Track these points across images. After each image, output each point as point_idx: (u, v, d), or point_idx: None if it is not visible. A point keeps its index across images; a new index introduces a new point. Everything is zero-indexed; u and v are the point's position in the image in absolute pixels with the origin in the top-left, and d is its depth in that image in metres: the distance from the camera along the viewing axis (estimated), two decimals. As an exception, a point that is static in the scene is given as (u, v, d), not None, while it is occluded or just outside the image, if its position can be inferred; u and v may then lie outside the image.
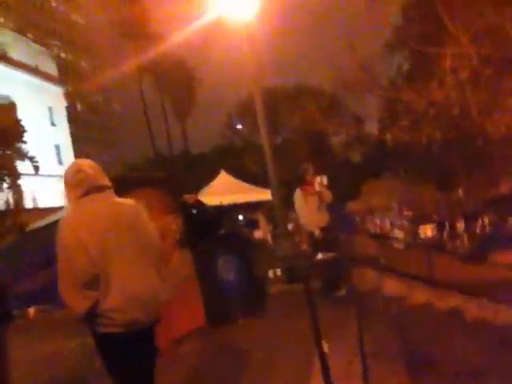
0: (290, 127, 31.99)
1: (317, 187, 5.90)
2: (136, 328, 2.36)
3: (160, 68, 35.16)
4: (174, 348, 4.57)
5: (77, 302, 2.32)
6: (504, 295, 6.29)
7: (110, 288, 2.33)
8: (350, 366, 3.42)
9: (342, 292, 5.63)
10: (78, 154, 36.09)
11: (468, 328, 5.43)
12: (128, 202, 2.62)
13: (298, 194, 6.09)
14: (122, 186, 4.78)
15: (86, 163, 2.61)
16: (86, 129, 54.12)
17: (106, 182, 2.58)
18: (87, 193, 2.47)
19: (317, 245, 5.67)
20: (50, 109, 33.98)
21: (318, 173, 6.16)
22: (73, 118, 41.61)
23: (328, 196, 6.02)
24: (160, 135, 37.01)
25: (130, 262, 2.41)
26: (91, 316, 2.34)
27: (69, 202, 2.58)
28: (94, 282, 2.32)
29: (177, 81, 36.80)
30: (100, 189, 2.51)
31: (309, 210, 5.95)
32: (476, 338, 5.12)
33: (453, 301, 6.12)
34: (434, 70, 13.19)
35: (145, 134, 36.41)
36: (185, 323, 4.86)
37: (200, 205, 5.91)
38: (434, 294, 6.32)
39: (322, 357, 2.79)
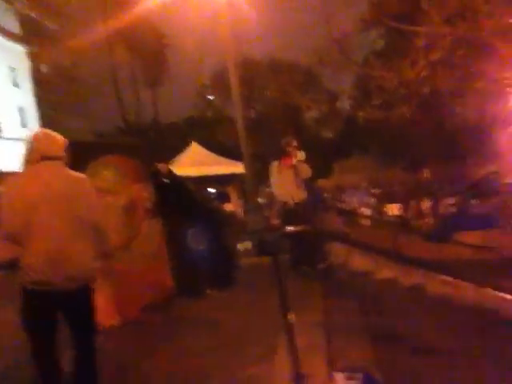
0: (263, 101, 31.75)
1: (294, 161, 5.89)
2: (51, 289, 2.54)
3: (131, 34, 33.92)
4: (141, 316, 4.56)
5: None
6: (466, 274, 6.55)
7: (30, 247, 2.53)
8: (315, 337, 3.50)
9: (312, 267, 5.66)
10: (43, 118, 34.80)
11: (430, 304, 5.63)
12: (76, 175, 2.80)
13: (273, 166, 6.07)
14: (91, 152, 4.67)
15: (43, 133, 2.83)
16: (51, 93, 51.98)
17: (58, 152, 2.75)
18: (38, 161, 2.67)
19: (288, 217, 5.69)
20: (12, 69, 32.42)
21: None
22: (38, 81, 39.88)
23: (306, 171, 6.02)
24: (130, 104, 36.03)
25: (56, 228, 2.58)
26: (16, 268, 2.58)
27: (22, 167, 2.76)
28: (18, 238, 2.55)
29: (148, 47, 35.67)
30: (51, 158, 2.69)
31: (283, 181, 5.93)
32: (436, 315, 5.32)
33: (417, 277, 6.32)
34: (407, 48, 13.26)
35: (114, 102, 35.35)
36: (153, 292, 4.84)
37: (173, 175, 5.80)
38: (399, 270, 6.50)
39: (288, 327, 2.84)
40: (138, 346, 3.88)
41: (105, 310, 4.37)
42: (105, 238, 2.85)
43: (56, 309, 2.62)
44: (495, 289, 5.83)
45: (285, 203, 5.94)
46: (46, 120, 32.49)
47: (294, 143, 6.06)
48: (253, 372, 3.01)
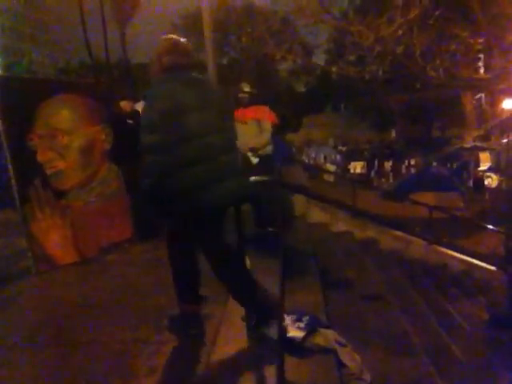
0: (237, 47, 30.85)
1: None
2: None
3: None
4: (99, 255, 4.57)
5: None
6: (417, 231, 6.88)
7: None
8: (268, 282, 3.61)
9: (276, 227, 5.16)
10: (3, 47, 32.79)
11: (381, 256, 5.91)
12: None
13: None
14: (45, 90, 4.48)
15: None
16: (13, 21, 48.70)
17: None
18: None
19: (250, 169, 5.01)
20: (-31, -9, 30.00)
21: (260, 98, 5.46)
22: (-3, 7, 37.18)
23: (264, 127, 5.09)
24: (97, 39, 34.14)
25: None
26: None
27: None
28: None
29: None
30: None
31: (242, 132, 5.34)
32: (386, 266, 5.61)
33: (371, 231, 6.58)
34: (386, 5, 13.08)
35: (80, 35, 33.42)
36: (112, 234, 4.82)
37: (138, 115, 5.54)
38: (355, 224, 6.74)
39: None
40: (95, 284, 3.91)
41: (62, 248, 4.38)
42: None
43: None
44: (443, 246, 6.18)
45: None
46: (7, 50, 30.59)
47: (246, 88, 5.12)
48: (206, 312, 3.09)
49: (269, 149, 5.21)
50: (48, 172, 4.30)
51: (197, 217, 2.58)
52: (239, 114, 4.94)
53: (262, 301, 2.75)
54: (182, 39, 2.75)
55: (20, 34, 47.52)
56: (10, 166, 4.01)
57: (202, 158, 2.51)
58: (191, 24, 28.74)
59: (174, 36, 2.76)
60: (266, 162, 5.12)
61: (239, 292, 2.78)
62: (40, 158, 4.24)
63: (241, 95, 4.97)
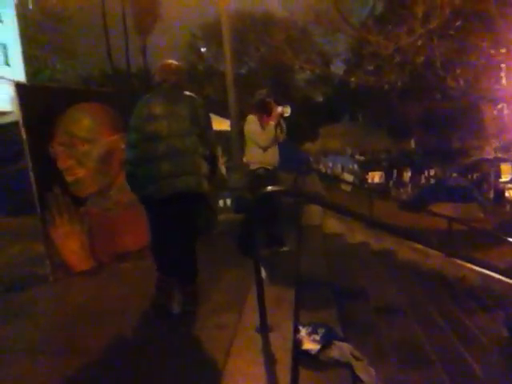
0: (256, 57, 31.05)
1: (279, 113, 4.73)
2: None
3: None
4: (115, 263, 4.62)
5: None
6: (435, 243, 6.78)
7: None
8: (283, 292, 3.60)
9: (284, 248, 4.96)
10: (27, 56, 33.57)
11: (397, 268, 5.83)
12: None
13: (251, 120, 4.79)
14: (67, 98, 4.58)
15: None
16: (38, 31, 49.88)
17: None
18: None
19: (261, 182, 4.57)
20: (-4, 2, 30.74)
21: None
22: (23, 18, 38.12)
23: (284, 131, 4.87)
24: (119, 49, 34.83)
25: None
26: None
27: None
28: None
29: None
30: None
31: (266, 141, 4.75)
32: (402, 278, 5.53)
33: (388, 242, 6.50)
34: (405, 15, 13.03)
35: (103, 46, 34.11)
36: (128, 242, 4.88)
37: None
38: (372, 234, 6.67)
39: (258, 282, 2.91)
40: (109, 291, 3.95)
41: (79, 254, 4.44)
42: None
43: None
44: (461, 259, 6.07)
45: (257, 169, 4.81)
46: (30, 59, 31.30)
47: (289, 109, 4.76)
48: (220, 321, 3.10)
49: (276, 162, 5.00)
50: (68, 179, 4.38)
51: (156, 202, 3.13)
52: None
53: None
54: (174, 61, 3.41)
55: (43, 43, 48.64)
56: (30, 173, 4.08)
57: (165, 155, 3.06)
58: (210, 34, 29.07)
59: (170, 60, 3.42)
60: (274, 175, 4.92)
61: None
62: (60, 165, 4.32)
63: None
